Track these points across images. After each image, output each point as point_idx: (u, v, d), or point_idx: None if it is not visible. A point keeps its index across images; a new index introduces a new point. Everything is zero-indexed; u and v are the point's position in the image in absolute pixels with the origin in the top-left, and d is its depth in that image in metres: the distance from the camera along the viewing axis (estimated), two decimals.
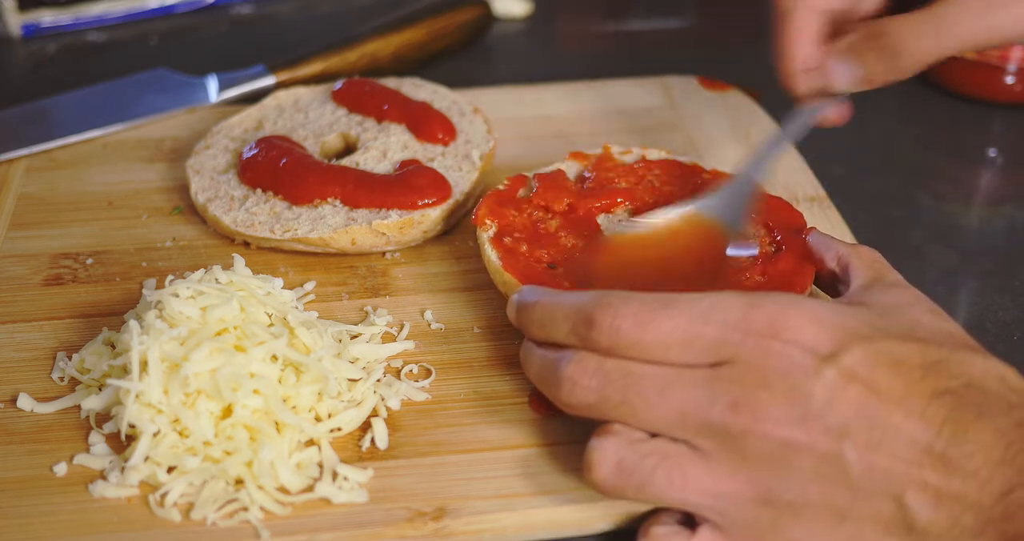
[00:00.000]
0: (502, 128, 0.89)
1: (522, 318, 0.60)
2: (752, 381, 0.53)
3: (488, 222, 0.72)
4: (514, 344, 0.69)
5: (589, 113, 0.94)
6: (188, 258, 0.77)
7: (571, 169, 0.78)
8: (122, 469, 0.60)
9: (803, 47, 0.70)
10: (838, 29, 0.71)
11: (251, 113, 0.88)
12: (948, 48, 0.66)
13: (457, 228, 0.80)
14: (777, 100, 0.94)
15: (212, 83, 0.95)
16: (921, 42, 0.66)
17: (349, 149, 0.85)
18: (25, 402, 0.65)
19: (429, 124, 0.83)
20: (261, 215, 0.77)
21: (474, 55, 1.08)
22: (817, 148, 0.84)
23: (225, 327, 0.62)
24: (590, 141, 0.85)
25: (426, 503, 0.59)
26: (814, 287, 0.68)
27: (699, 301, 0.55)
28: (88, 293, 0.74)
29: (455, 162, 0.81)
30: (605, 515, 0.59)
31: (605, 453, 0.55)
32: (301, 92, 0.91)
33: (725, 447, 0.53)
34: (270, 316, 0.65)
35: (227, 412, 0.61)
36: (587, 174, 0.77)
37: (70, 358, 0.68)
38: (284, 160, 0.78)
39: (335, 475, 0.60)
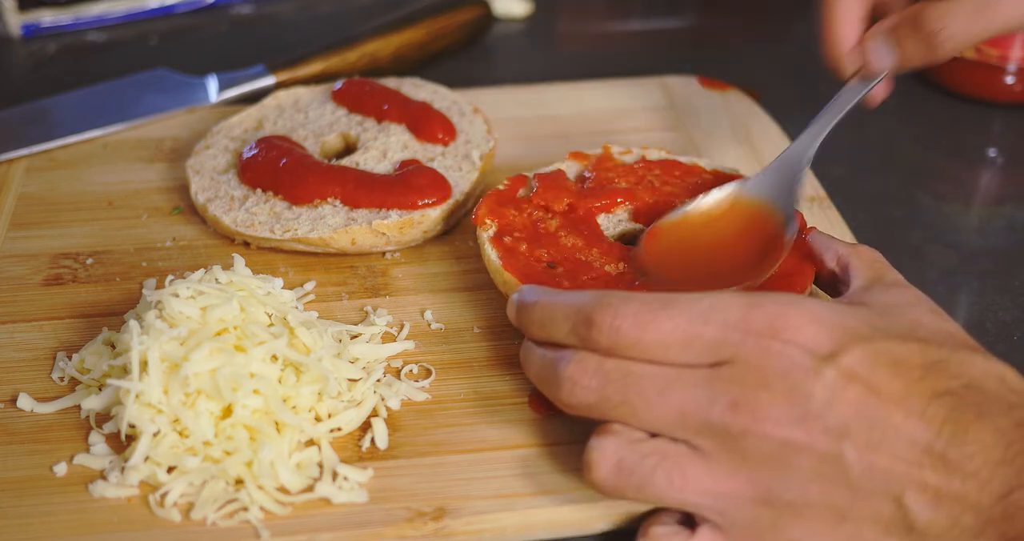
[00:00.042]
0: (502, 128, 0.89)
1: (522, 318, 0.60)
2: (752, 381, 0.53)
3: (488, 222, 0.72)
4: (514, 344, 0.69)
5: (589, 113, 0.94)
6: (188, 258, 0.77)
7: (571, 169, 0.78)
8: (122, 469, 0.60)
9: (850, 30, 0.71)
10: (880, 12, 0.72)
11: (251, 113, 0.88)
12: (988, 31, 0.67)
13: (457, 228, 0.80)
14: (777, 100, 0.94)
15: (212, 83, 0.95)
16: (960, 25, 0.66)
17: (349, 149, 0.85)
18: (25, 402, 0.65)
19: (429, 124, 0.83)
20: (261, 215, 0.77)
21: (474, 55, 1.08)
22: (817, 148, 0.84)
23: (225, 327, 0.62)
24: (590, 141, 0.85)
25: (426, 503, 0.59)
26: (814, 287, 0.68)
27: (699, 301, 0.55)
28: (88, 293, 0.74)
29: (455, 162, 0.81)
30: (605, 515, 0.59)
31: (605, 453, 0.55)
32: (301, 92, 0.91)
33: (725, 447, 0.53)
34: (270, 316, 0.65)
35: (227, 412, 0.60)
36: (587, 174, 0.77)
37: (70, 358, 0.68)
38: (284, 160, 0.78)
39: (335, 475, 0.60)
